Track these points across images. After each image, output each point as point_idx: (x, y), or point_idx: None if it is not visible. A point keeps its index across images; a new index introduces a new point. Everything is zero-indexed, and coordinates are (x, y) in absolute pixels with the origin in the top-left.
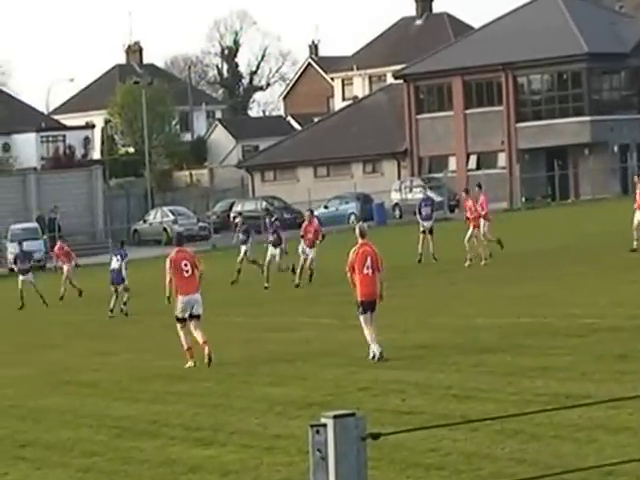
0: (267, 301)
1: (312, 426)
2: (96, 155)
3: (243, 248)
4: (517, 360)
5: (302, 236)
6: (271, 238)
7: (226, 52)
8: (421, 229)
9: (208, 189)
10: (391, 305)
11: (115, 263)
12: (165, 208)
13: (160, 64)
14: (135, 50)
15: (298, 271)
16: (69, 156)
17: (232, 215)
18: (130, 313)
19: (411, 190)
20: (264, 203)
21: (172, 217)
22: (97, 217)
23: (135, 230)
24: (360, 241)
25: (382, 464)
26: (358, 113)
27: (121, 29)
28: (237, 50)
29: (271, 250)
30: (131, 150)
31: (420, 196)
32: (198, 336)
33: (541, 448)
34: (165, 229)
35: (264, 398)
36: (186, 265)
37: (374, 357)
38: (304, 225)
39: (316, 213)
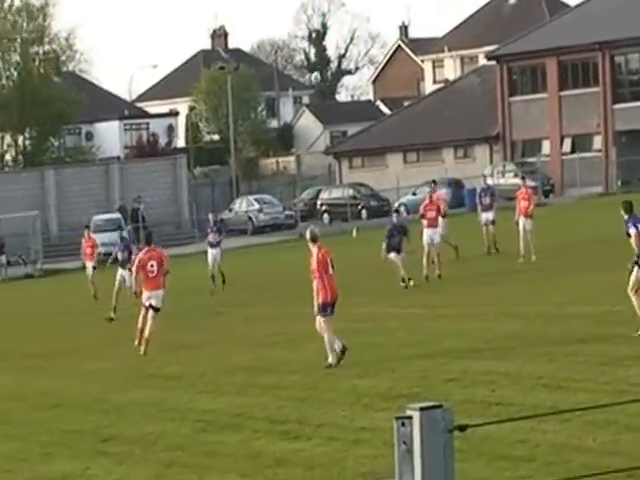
0: (355, 291)
1: (397, 418)
2: (180, 143)
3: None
4: (611, 349)
5: (422, 216)
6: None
7: (314, 35)
8: (482, 222)
9: (295, 176)
10: (480, 294)
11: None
12: (251, 197)
13: (246, 49)
14: (220, 35)
15: (424, 261)
16: (153, 144)
17: (319, 202)
18: (213, 305)
19: (503, 175)
20: (351, 190)
21: (258, 206)
22: (182, 207)
23: (221, 219)
24: (314, 244)
25: (470, 456)
26: (449, 96)
27: (206, 13)
28: (325, 33)
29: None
30: (216, 138)
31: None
32: (146, 328)
33: (635, 439)
34: (250, 218)
35: (351, 390)
36: (152, 266)
37: (330, 366)
38: (424, 204)
39: (403, 200)
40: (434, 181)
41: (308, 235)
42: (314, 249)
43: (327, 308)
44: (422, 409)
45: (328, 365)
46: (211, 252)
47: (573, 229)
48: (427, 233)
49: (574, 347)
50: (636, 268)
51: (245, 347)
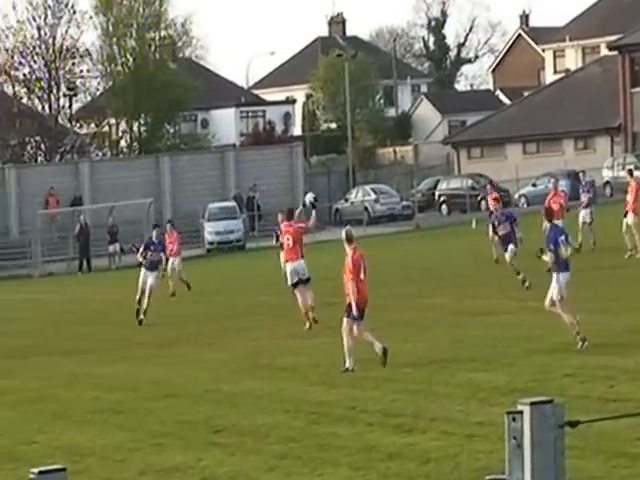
0: (473, 283)
1: (508, 413)
2: (297, 131)
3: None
4: None
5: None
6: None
7: (433, 24)
8: (580, 220)
9: (412, 166)
10: (600, 288)
11: None
12: (367, 186)
13: (364, 36)
14: (338, 22)
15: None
16: (269, 132)
17: (437, 193)
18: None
19: (624, 168)
20: (470, 181)
21: (374, 196)
22: (297, 196)
23: (337, 209)
24: (350, 245)
25: (586, 453)
26: (570, 87)
27: (323, 0)
28: (444, 21)
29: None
30: (333, 126)
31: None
32: (308, 300)
33: None
34: (366, 208)
35: (467, 384)
36: (287, 239)
37: (347, 371)
38: (549, 196)
39: (523, 192)
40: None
41: (343, 235)
42: (349, 250)
43: (356, 312)
44: (532, 404)
45: (344, 369)
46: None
47: None
48: None
49: None
50: None
51: (358, 338)
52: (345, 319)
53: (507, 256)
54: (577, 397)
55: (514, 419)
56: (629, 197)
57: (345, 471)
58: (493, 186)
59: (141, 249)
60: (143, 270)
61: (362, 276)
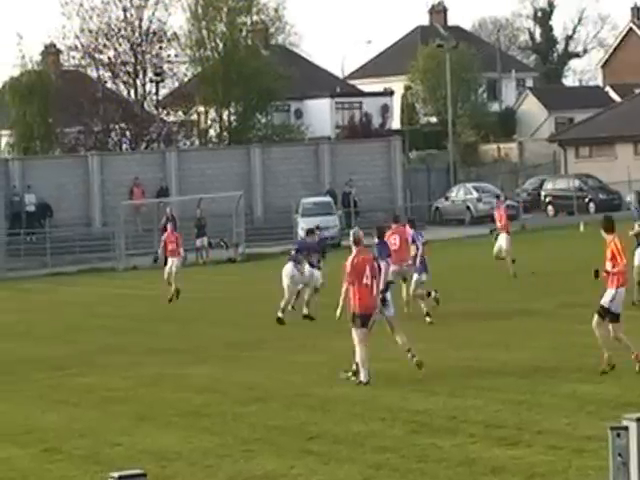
0: (580, 289)
1: (612, 429)
2: (395, 124)
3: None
4: None
5: None
6: None
7: (539, 14)
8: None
9: (517, 164)
10: None
11: None
12: (469, 184)
13: (466, 26)
14: (439, 10)
15: None
16: (365, 125)
17: (543, 193)
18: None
19: None
20: (578, 181)
21: (476, 194)
22: (396, 193)
23: (437, 208)
24: (356, 248)
25: None
26: None
27: None
28: (551, 12)
29: None
30: (433, 120)
31: None
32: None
33: None
34: (468, 207)
35: (573, 395)
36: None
37: (360, 382)
38: None
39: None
40: None
41: (351, 238)
42: (354, 251)
43: (357, 319)
44: (639, 420)
45: (358, 382)
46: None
47: None
48: None
49: None
50: None
51: (455, 345)
52: (358, 329)
53: None
54: None
55: (619, 435)
56: None
57: None
58: (501, 201)
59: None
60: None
61: (366, 281)
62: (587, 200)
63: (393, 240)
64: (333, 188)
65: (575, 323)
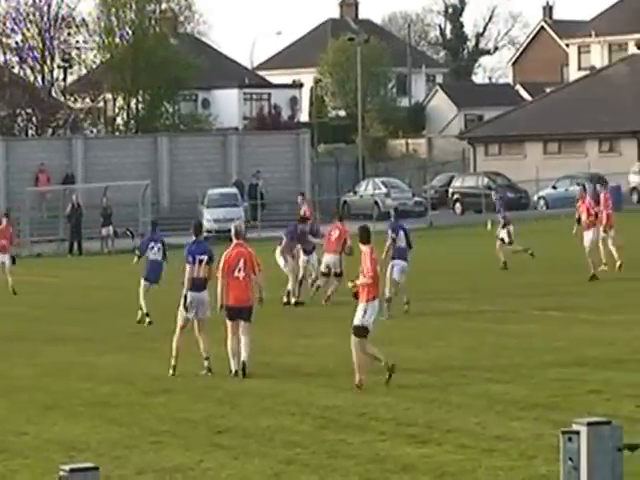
0: (489, 289)
1: (564, 432)
2: (303, 117)
3: None
4: None
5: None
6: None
7: (450, 10)
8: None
9: (425, 161)
10: (628, 301)
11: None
12: (377, 179)
13: (377, 20)
14: (350, 4)
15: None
16: (274, 117)
17: (451, 191)
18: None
19: None
20: (487, 179)
21: (385, 190)
22: (303, 186)
23: (345, 202)
24: (234, 241)
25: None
26: (595, 85)
27: None
28: (462, 9)
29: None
30: (342, 114)
31: None
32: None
33: None
34: (376, 202)
35: (483, 395)
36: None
37: (230, 372)
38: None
39: (542, 194)
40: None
41: (232, 230)
42: (232, 246)
43: (228, 311)
44: (589, 424)
45: (230, 372)
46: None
47: None
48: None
49: None
50: None
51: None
52: (229, 321)
53: None
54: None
55: (570, 439)
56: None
57: None
58: None
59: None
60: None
61: (237, 274)
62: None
63: (333, 233)
64: (240, 179)
65: (485, 322)
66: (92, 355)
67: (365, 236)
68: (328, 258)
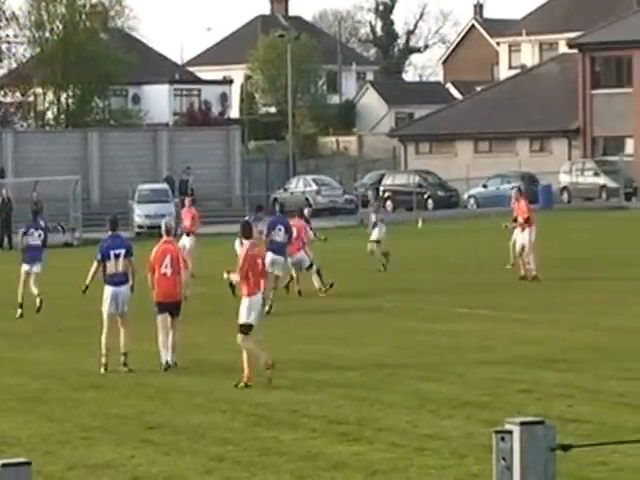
0: (420, 287)
1: (497, 432)
2: (234, 114)
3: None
4: None
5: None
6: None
7: (381, 8)
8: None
9: (356, 158)
10: (559, 300)
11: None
12: (308, 177)
13: (307, 17)
14: (280, 0)
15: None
16: (204, 113)
17: (382, 188)
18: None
19: (582, 173)
20: (417, 178)
21: (315, 187)
22: (234, 182)
23: (275, 199)
24: (163, 238)
25: (562, 478)
26: (526, 84)
27: None
28: (393, 6)
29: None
30: (272, 110)
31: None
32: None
33: None
34: (307, 200)
35: (415, 394)
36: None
37: (161, 366)
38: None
39: (473, 192)
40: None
41: (162, 227)
42: (160, 242)
43: (157, 306)
44: (522, 424)
45: (160, 365)
46: None
47: None
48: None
49: None
50: None
51: (299, 338)
52: (158, 315)
53: None
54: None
55: (503, 439)
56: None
57: (287, 479)
58: None
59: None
60: None
61: (165, 270)
62: (426, 196)
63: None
64: (171, 175)
65: (416, 320)
66: (22, 350)
67: (246, 231)
68: (294, 259)
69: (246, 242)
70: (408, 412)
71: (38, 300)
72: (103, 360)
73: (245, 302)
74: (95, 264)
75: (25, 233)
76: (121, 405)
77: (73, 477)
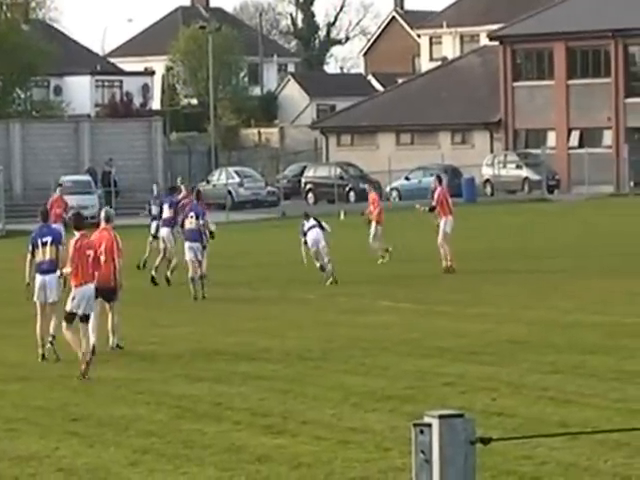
0: (343, 279)
1: (416, 425)
2: (155, 105)
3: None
4: (622, 364)
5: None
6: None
7: (301, 0)
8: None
9: (278, 150)
10: (483, 293)
11: None
12: (230, 169)
13: (228, 9)
14: None
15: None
16: (126, 104)
17: (304, 181)
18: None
19: (505, 166)
20: (339, 170)
21: (238, 179)
22: (156, 173)
23: (198, 191)
24: (102, 226)
25: (483, 471)
26: (447, 76)
27: None
28: None
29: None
30: (194, 102)
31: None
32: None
33: None
34: (230, 192)
35: (339, 387)
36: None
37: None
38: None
39: (395, 185)
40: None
41: (102, 215)
42: (98, 230)
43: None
44: (441, 417)
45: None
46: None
47: (582, 229)
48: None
49: (581, 358)
50: None
51: (223, 331)
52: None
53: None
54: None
55: (422, 432)
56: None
57: (212, 471)
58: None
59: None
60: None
61: (102, 259)
62: (348, 189)
63: None
64: (93, 167)
65: (339, 313)
66: None
67: (77, 222)
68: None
69: (77, 233)
70: (332, 405)
71: None
72: (40, 351)
73: (75, 292)
74: (28, 256)
75: None
76: (45, 397)
77: None
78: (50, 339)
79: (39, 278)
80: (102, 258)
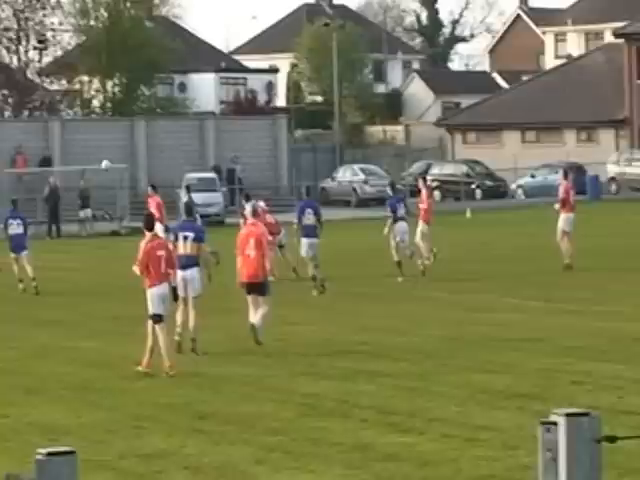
0: (470, 277)
1: (543, 423)
2: (280, 102)
3: None
4: None
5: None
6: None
7: None
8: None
9: (403, 147)
10: (608, 291)
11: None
12: (355, 166)
13: (352, 6)
14: None
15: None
16: (251, 101)
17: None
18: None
19: (630, 163)
20: (465, 167)
21: (363, 176)
22: (281, 171)
23: (323, 188)
24: (249, 221)
25: (609, 470)
26: (572, 74)
27: None
28: None
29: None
30: (319, 99)
31: None
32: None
33: None
34: (355, 189)
35: (465, 384)
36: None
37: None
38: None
39: (521, 182)
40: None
41: (248, 209)
42: (247, 225)
43: (246, 289)
44: (568, 415)
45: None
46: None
47: None
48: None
49: None
50: None
51: (349, 328)
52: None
53: None
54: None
55: (548, 430)
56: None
57: (339, 469)
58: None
59: None
60: None
61: (247, 252)
62: (474, 186)
63: None
64: (219, 164)
65: (466, 311)
66: (72, 339)
67: (148, 223)
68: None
69: (148, 234)
70: (458, 403)
71: (34, 284)
72: (176, 338)
73: (148, 293)
74: (171, 246)
75: (6, 225)
76: (171, 394)
77: (124, 466)
78: (191, 346)
79: (179, 273)
80: (251, 253)
